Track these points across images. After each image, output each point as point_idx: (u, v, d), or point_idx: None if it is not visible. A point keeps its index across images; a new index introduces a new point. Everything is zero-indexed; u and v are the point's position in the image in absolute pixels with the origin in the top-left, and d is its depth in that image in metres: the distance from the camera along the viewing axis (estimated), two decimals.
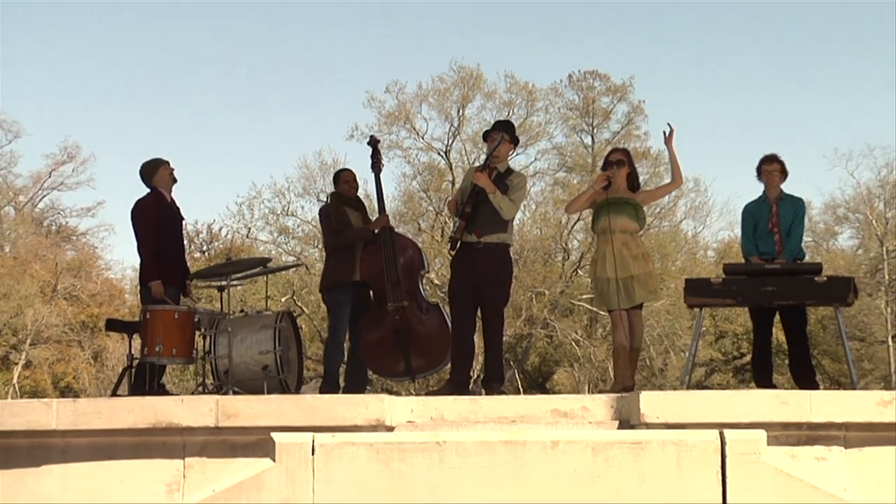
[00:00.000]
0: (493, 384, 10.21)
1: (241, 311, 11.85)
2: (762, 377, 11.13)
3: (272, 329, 10.82)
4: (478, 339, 10.68)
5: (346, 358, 11.59)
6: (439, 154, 43.44)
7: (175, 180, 11.52)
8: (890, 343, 40.68)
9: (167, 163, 11.48)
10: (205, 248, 44.18)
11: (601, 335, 39.97)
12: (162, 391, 10.88)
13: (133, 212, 11.28)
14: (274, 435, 7.63)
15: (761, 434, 7.56)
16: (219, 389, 10.55)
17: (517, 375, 39.11)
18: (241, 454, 7.80)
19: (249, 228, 43.30)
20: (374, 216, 11.79)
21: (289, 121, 66.59)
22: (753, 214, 11.27)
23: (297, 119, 65.73)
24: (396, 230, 12.00)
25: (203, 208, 76.53)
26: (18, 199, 48.47)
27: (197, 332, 10.88)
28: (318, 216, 13.63)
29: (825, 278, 10.48)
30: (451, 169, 41.93)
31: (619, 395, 8.60)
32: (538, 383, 42.56)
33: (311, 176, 42.27)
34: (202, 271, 12.15)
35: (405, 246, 11.44)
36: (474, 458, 7.50)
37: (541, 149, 43.71)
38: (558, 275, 41.66)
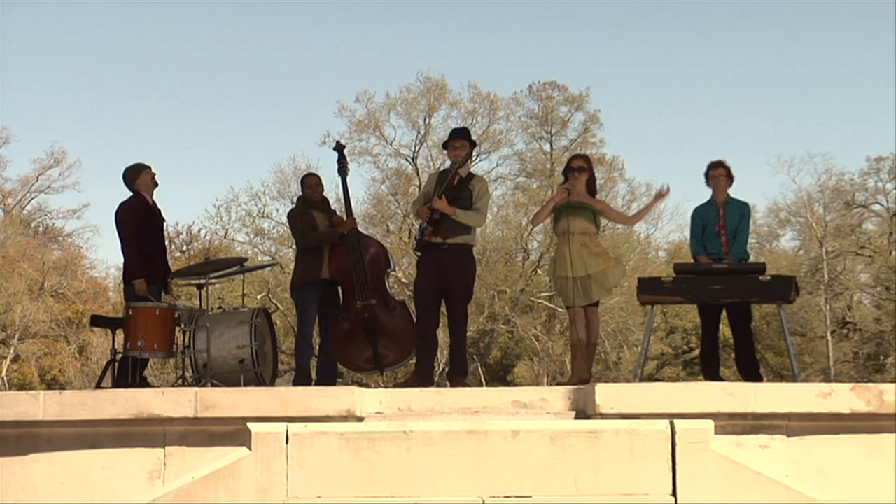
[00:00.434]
0: (458, 377, 10.21)
1: (219, 307, 11.79)
2: (710, 370, 11.17)
3: (248, 325, 10.81)
4: (442, 335, 10.69)
5: (317, 352, 11.58)
6: (407, 160, 43.48)
7: (156, 184, 11.46)
8: (829, 338, 40.86)
9: (149, 168, 11.42)
10: (185, 248, 44.01)
11: (559, 331, 40.02)
12: (144, 384, 10.85)
13: (117, 214, 11.23)
14: (250, 425, 7.61)
15: (709, 424, 7.58)
16: (198, 382, 10.52)
17: (480, 369, 39.17)
18: (218, 443, 7.78)
19: (227, 230, 43.33)
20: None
21: (265, 128, 66.52)
22: (702, 217, 11.29)
23: (273, 127, 65.64)
24: (366, 232, 11.98)
25: (183, 210, 76.29)
26: (7, 202, 48.20)
27: (177, 328, 10.84)
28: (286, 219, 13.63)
29: (769, 277, 10.52)
30: (417, 174, 41.89)
31: (576, 387, 8.61)
32: (500, 376, 42.56)
33: (286, 180, 42.37)
34: (182, 270, 12.10)
35: (371, 246, 11.41)
36: (439, 447, 7.50)
37: (502, 155, 43.76)
38: (519, 274, 41.76)
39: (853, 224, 44.92)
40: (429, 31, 63.71)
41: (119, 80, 65.48)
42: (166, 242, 12.43)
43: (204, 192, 76.50)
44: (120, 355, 10.85)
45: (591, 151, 41.02)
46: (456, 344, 10.46)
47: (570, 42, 62.78)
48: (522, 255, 43.33)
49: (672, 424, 7.53)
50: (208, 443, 7.81)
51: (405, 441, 7.51)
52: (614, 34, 63.39)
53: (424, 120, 43.06)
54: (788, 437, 7.79)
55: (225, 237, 43.13)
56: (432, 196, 10.43)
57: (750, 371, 10.96)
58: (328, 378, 11.30)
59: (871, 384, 7.92)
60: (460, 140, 10.66)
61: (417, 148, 43.03)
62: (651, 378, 38.84)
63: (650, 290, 10.78)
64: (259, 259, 38.68)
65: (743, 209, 11.29)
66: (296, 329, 11.92)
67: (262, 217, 42.74)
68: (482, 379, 37.74)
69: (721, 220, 11.14)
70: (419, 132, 43.10)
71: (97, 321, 12.87)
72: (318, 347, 11.61)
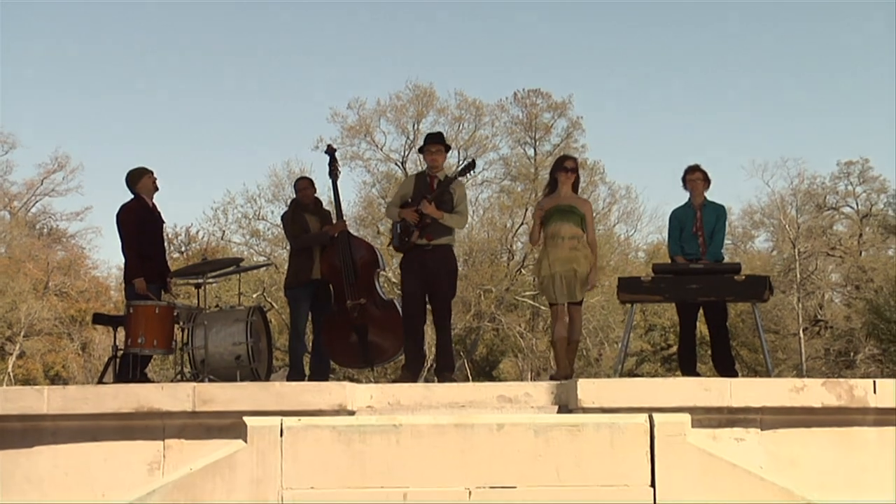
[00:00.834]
0: (445, 372, 10.22)
1: (216, 306, 11.79)
2: (687, 366, 11.18)
3: (244, 322, 10.81)
4: (429, 332, 10.70)
5: (310, 349, 11.57)
6: (396, 164, 43.48)
7: (156, 188, 11.45)
8: (801, 335, 40.94)
9: (151, 172, 11.41)
10: (183, 248, 43.88)
11: (543, 328, 40.02)
12: (144, 379, 10.83)
13: (118, 216, 11.21)
14: (246, 419, 7.60)
15: (686, 417, 7.59)
16: (196, 377, 10.51)
17: (466, 365, 39.16)
18: (216, 436, 7.76)
19: (224, 231, 43.35)
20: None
21: (260, 134, 66.47)
22: (680, 219, 11.30)
23: (268, 132, 65.54)
24: (357, 233, 11.97)
25: (182, 213, 76.15)
26: (13, 205, 48.07)
27: (176, 326, 10.84)
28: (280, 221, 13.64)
29: (744, 277, 10.54)
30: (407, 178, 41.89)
31: (558, 382, 8.62)
32: (485, 372, 42.57)
33: (280, 183, 42.27)
34: (180, 270, 12.09)
35: (361, 247, 11.39)
36: (428, 440, 7.50)
37: (488, 160, 43.70)
38: (504, 274, 41.80)
39: (824, 226, 45.09)
40: (418, 42, 63.79)
41: (120, 88, 65.38)
42: (165, 243, 12.40)
43: (202, 195, 76.32)
44: (121, 352, 10.82)
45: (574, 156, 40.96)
46: (442, 340, 10.48)
47: (553, 51, 62.82)
48: (507, 256, 43.38)
49: (651, 418, 7.53)
50: (206, 436, 7.79)
51: (395, 434, 7.51)
52: (595, 44, 63.56)
53: (413, 126, 43.11)
54: (762, 430, 7.80)
55: (222, 238, 43.14)
56: (410, 199, 10.45)
57: (725, 367, 10.97)
58: (321, 374, 11.30)
59: (841, 379, 7.95)
60: (436, 145, 10.67)
61: (406, 153, 43.05)
62: (631, 374, 38.84)
63: (630, 289, 10.79)
64: (254, 259, 38.64)
65: (719, 211, 11.30)
66: (290, 327, 11.90)
67: (258, 219, 42.85)
68: (469, 374, 37.71)
69: (698, 221, 11.15)
70: (408, 137, 43.15)
71: (99, 319, 12.86)
72: (311, 344, 11.61)
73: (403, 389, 8.49)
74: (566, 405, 8.08)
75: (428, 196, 10.36)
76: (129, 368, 10.59)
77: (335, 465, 7.46)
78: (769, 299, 11.08)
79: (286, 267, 12.08)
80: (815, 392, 7.77)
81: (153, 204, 11.41)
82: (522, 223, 41.05)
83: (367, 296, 11.07)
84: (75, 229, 50.25)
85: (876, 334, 39.09)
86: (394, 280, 34.64)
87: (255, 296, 37.31)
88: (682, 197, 11.42)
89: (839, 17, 59.87)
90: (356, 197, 43.36)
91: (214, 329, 10.74)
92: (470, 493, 7.42)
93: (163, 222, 11.68)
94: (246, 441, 7.54)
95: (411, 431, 7.52)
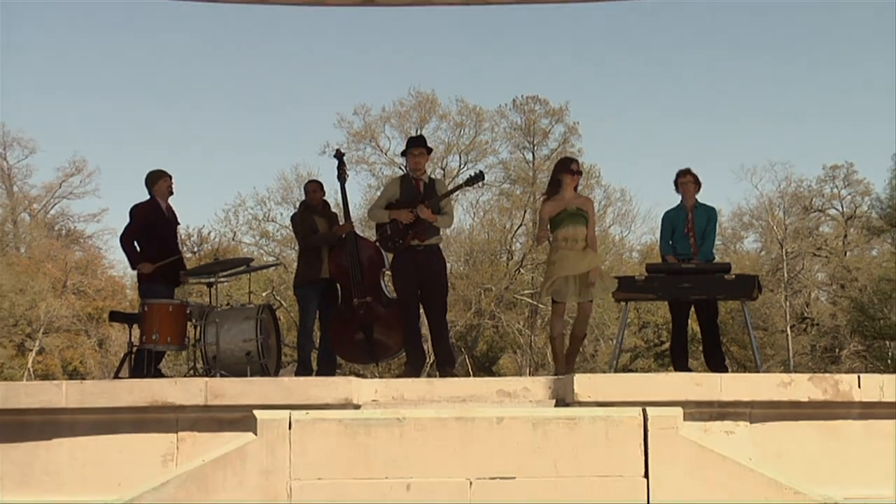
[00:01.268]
0: (446, 367, 10.23)
1: (227, 304, 11.79)
2: (679, 362, 11.18)
3: (254, 320, 10.79)
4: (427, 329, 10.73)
5: (318, 345, 11.57)
6: (400, 168, 43.20)
7: (171, 192, 11.48)
8: (789, 332, 40.90)
9: (169, 176, 11.44)
10: (196, 249, 43.84)
11: (541, 325, 40.00)
12: (158, 374, 10.83)
13: (130, 211, 11.32)
14: (256, 412, 7.60)
15: (678, 411, 7.58)
16: (208, 373, 10.51)
17: (467, 360, 39.15)
18: (227, 429, 7.76)
19: (235, 232, 43.35)
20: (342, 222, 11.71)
21: (270, 139, 66.32)
22: (672, 220, 11.30)
23: (278, 137, 65.43)
24: (363, 234, 11.97)
25: (194, 214, 76.05)
26: (33, 207, 48.11)
27: (189, 323, 10.84)
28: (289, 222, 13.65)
29: (733, 276, 10.55)
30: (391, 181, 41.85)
31: (556, 377, 8.61)
32: (485, 367, 42.52)
33: (289, 187, 42.32)
34: (193, 270, 12.07)
35: (367, 248, 11.38)
36: (430, 432, 7.49)
37: (488, 164, 43.58)
38: (503, 273, 41.76)
39: (811, 227, 45.02)
40: (421, 50, 63.64)
41: (136, 94, 65.25)
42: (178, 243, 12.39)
43: (214, 197, 76.20)
44: (136, 348, 10.84)
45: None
46: (440, 335, 10.46)
47: (551, 60, 62.75)
48: (506, 256, 43.32)
49: (644, 412, 7.52)
50: (217, 429, 7.79)
51: (398, 427, 7.50)
52: (591, 53, 63.39)
53: (416, 131, 42.92)
54: (751, 423, 7.80)
55: (233, 239, 43.13)
56: (396, 202, 10.51)
57: (716, 362, 10.97)
58: (328, 369, 11.29)
59: (827, 374, 7.95)
60: (419, 148, 10.67)
61: None
62: (625, 369, 38.86)
63: (624, 287, 10.79)
64: (264, 259, 38.59)
65: (710, 213, 11.31)
66: (298, 324, 11.90)
67: (267, 220, 42.87)
68: (469, 370, 37.69)
69: (690, 223, 11.15)
70: None
71: (115, 316, 12.85)
72: (318, 341, 11.61)
73: (407, 384, 8.49)
74: (563, 399, 8.09)
75: (426, 202, 10.37)
76: (144, 364, 10.58)
77: (341, 457, 7.45)
78: (758, 297, 11.09)
79: (295, 266, 12.07)
80: (802, 387, 7.78)
81: (168, 205, 11.42)
82: (521, 224, 41.08)
83: (373, 294, 11.05)
84: (92, 230, 50.21)
85: (860, 331, 39.13)
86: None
87: (264, 294, 37.26)
88: (675, 199, 11.42)
89: (828, 25, 59.78)
90: (361, 199, 43.31)
91: (226, 326, 10.74)
92: (471, 483, 7.41)
93: (177, 223, 11.69)
94: (256, 434, 7.53)
95: (414, 425, 7.52)
